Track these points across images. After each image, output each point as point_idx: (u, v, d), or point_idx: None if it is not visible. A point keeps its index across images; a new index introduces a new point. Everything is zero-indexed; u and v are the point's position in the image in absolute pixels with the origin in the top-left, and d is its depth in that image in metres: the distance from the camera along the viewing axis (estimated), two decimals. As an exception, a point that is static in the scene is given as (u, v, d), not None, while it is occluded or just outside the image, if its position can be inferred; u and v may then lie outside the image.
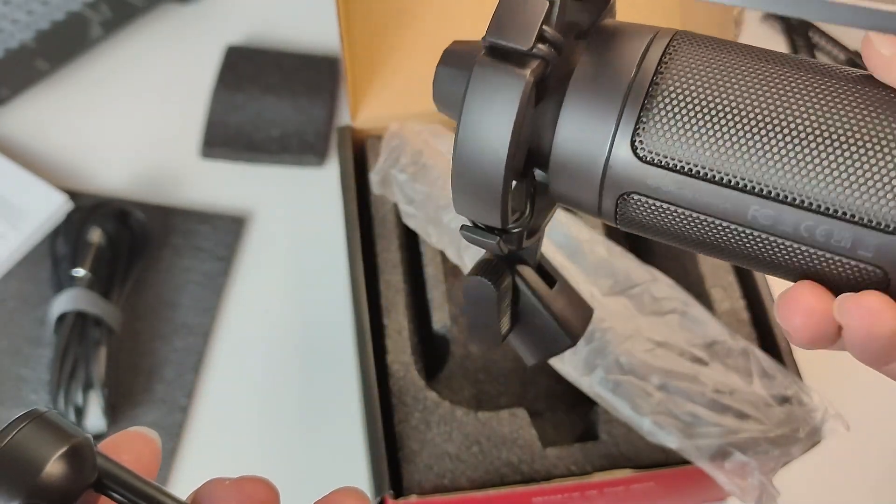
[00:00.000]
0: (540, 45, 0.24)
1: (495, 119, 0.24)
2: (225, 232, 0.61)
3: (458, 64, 0.27)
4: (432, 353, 0.52)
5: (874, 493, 0.54)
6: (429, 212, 0.50)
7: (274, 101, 0.66)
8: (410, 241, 0.54)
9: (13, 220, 0.59)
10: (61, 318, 0.53)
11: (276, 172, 0.64)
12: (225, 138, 0.64)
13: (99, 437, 0.52)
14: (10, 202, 0.60)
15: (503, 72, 0.24)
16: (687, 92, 0.24)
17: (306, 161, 0.64)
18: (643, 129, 0.24)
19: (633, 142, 0.24)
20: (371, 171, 0.52)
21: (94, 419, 0.52)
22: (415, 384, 0.47)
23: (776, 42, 0.72)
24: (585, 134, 0.25)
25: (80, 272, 0.55)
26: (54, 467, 0.20)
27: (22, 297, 0.57)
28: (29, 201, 0.60)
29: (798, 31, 0.72)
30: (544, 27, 0.24)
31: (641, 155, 0.24)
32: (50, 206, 0.59)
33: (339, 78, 0.68)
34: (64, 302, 0.53)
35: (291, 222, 0.62)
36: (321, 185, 0.63)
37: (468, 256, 0.49)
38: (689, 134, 0.24)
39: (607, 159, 0.25)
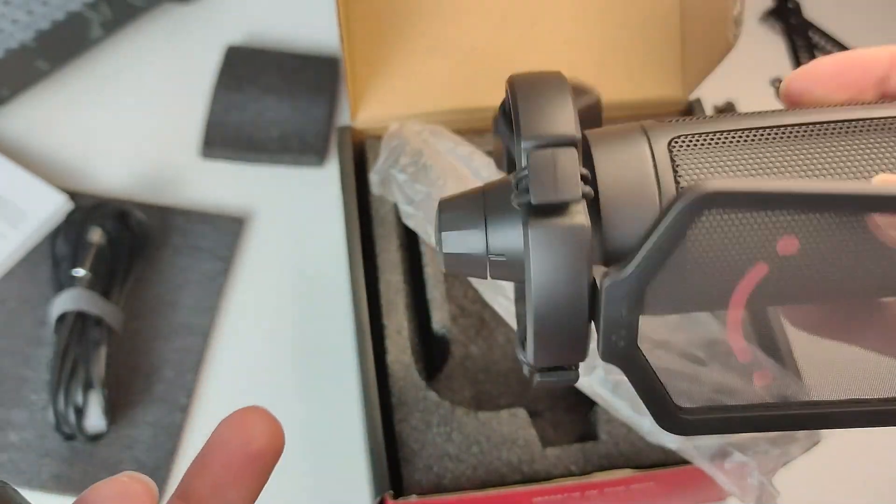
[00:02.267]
0: (583, 188, 0.24)
1: (566, 272, 0.24)
2: (225, 232, 0.61)
3: (465, 225, 0.27)
4: (432, 353, 0.52)
5: (874, 493, 0.54)
6: (429, 212, 0.50)
7: (274, 101, 0.66)
8: (410, 241, 0.54)
9: (13, 220, 0.59)
10: (61, 318, 0.53)
11: (276, 172, 0.64)
12: (225, 138, 0.64)
13: (98, 437, 0.52)
14: (10, 202, 0.60)
15: (561, 228, 0.24)
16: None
17: (306, 161, 0.64)
18: None
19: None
20: (371, 171, 0.52)
21: (94, 419, 0.52)
22: (415, 384, 0.47)
23: (776, 42, 0.72)
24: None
25: (80, 272, 0.55)
26: None
27: (22, 297, 0.57)
28: (29, 201, 0.59)
29: (798, 31, 0.72)
30: (582, 170, 0.24)
31: None
32: (50, 206, 0.59)
33: (339, 78, 0.68)
34: (64, 302, 0.53)
35: (291, 222, 0.62)
36: (321, 185, 0.63)
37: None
38: None
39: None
